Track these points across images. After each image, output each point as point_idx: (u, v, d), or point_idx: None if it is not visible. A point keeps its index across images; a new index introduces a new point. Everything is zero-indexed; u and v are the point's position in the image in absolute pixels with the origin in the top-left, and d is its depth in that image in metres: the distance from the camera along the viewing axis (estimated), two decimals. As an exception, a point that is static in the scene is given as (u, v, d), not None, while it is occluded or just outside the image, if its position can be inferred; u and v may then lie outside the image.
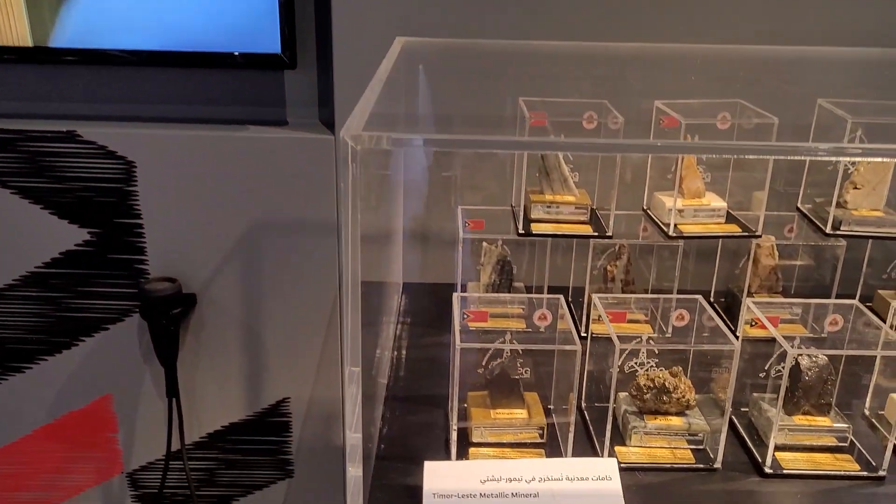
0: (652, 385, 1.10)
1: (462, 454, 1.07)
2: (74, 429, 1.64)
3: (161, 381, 1.59)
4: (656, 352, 1.12)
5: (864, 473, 1.07)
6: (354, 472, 0.91)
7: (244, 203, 1.52)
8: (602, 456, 1.07)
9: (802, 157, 0.82)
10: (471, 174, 1.57)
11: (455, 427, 1.04)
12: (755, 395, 1.17)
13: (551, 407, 1.16)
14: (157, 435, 1.65)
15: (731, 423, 1.15)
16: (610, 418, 1.06)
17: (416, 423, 1.14)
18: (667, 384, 1.09)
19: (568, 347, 1.03)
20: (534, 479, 0.99)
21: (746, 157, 0.94)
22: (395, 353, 1.30)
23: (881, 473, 1.07)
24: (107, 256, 1.54)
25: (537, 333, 1.20)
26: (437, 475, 0.99)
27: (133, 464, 1.69)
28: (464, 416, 1.11)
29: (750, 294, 1.41)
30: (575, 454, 1.06)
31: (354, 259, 0.84)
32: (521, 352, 1.12)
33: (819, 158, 0.80)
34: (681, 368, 1.11)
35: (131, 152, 1.48)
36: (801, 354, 1.09)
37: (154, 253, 1.55)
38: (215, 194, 1.51)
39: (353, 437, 0.91)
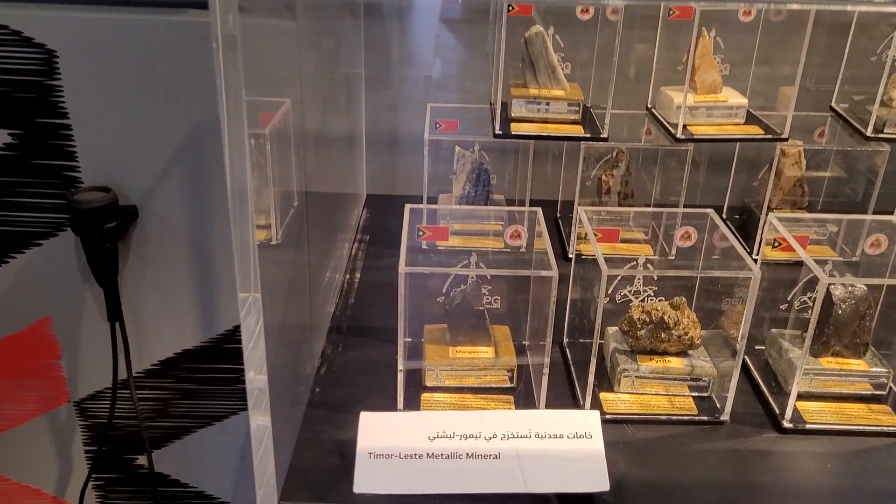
0: (648, 319, 0.86)
1: (412, 402, 0.85)
2: (12, 354, 1.44)
3: (103, 302, 1.37)
4: (654, 278, 0.88)
5: (906, 429, 0.84)
6: (259, 421, 0.69)
7: (190, 99, 1.26)
8: (584, 405, 0.85)
9: (853, 7, 0.59)
10: (447, 72, 1.31)
11: (402, 368, 0.81)
12: (774, 331, 0.94)
13: (526, 343, 0.93)
14: (102, 361, 1.44)
15: (743, 365, 0.92)
16: (594, 359, 0.82)
17: (362, 361, 0.92)
18: (666, 318, 0.85)
19: (544, 273, 0.79)
20: (495, 437, 0.76)
21: (786, 6, 0.69)
22: (348, 276, 1.07)
23: (928, 429, 0.84)
24: (31, 162, 1.30)
25: (511, 255, 0.97)
26: (375, 429, 0.76)
27: (80, 392, 1.49)
28: (418, 353, 0.88)
29: (770, 210, 1.16)
30: (551, 403, 0.84)
31: (237, 154, 0.60)
32: (488, 277, 0.89)
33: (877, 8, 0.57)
34: (684, 299, 0.87)
35: (51, 39, 1.22)
36: (834, 283, 0.85)
37: (86, 158, 1.30)
38: (155, 89, 1.25)
39: (256, 381, 0.68)
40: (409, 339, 0.92)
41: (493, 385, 0.87)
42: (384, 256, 1.14)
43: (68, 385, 1.49)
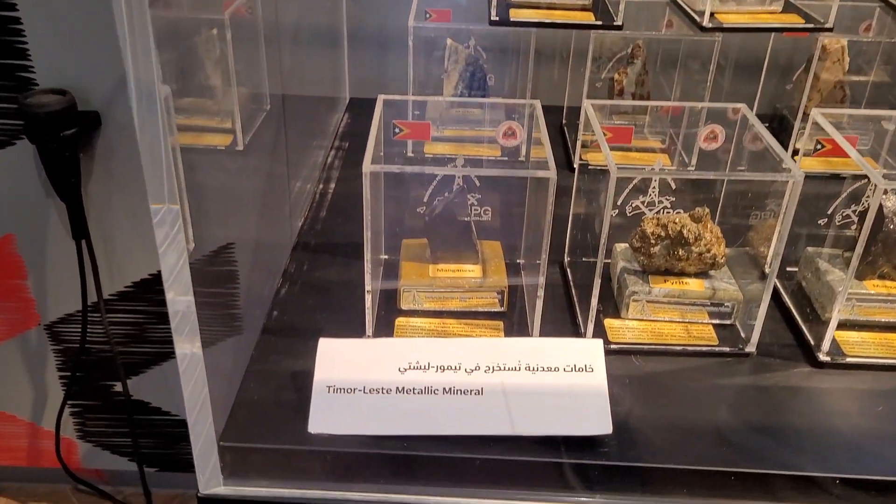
0: (664, 233, 0.72)
1: (384, 328, 0.71)
2: (-24, 274, 1.32)
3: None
4: (672, 185, 0.74)
5: (964, 364, 0.71)
6: (187, 349, 0.57)
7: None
8: (585, 333, 0.71)
9: None
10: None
11: (370, 289, 0.68)
12: (810, 249, 0.79)
13: (521, 262, 0.79)
14: (72, 283, 1.32)
15: (773, 290, 0.78)
16: (598, 279, 0.68)
17: (330, 281, 0.78)
18: (685, 232, 0.71)
19: (540, 173, 0.65)
20: (478, 369, 0.63)
21: None
22: (321, 186, 0.93)
23: None
24: (-20, 62, 1.15)
25: (508, 163, 0.82)
26: (336, 358, 0.63)
27: (50, 315, 1.38)
28: (394, 272, 0.75)
29: (805, 117, 1.00)
30: (547, 331, 0.70)
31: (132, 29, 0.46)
32: (476, 183, 0.74)
33: None
34: (708, 210, 0.72)
35: (-8, -82, 1.06)
36: (891, 189, 0.70)
37: (41, 57, 1.15)
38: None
39: (178, 303, 0.55)
40: (386, 257, 0.79)
41: (480, 309, 0.73)
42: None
43: (37, 307, 1.37)
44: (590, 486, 0.61)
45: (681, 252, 0.71)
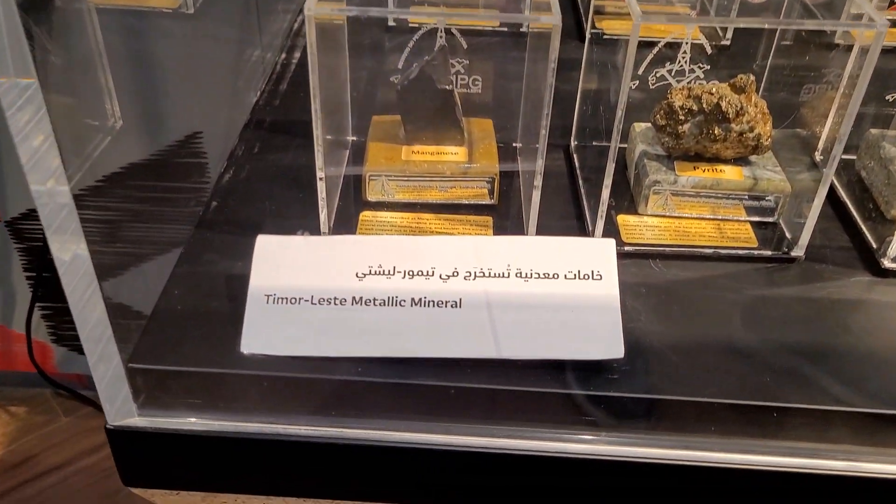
0: (696, 107, 0.56)
1: (346, 224, 0.57)
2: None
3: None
4: (707, 49, 0.57)
5: None
6: (64, 251, 0.43)
7: None
8: (593, 232, 0.56)
9: None
10: None
11: (322, 175, 0.53)
12: (874, 131, 0.63)
13: (517, 146, 0.63)
14: (32, 176, 1.17)
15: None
16: (611, 164, 0.53)
17: (283, 167, 0.63)
18: (724, 105, 0.55)
19: (544, 20, 0.48)
20: (456, 274, 0.49)
21: None
22: (283, 55, 0.76)
23: None
24: None
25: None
26: (278, 260, 0.49)
27: (11, 210, 1.25)
28: (358, 155, 0.60)
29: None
30: (546, 228, 0.56)
31: None
32: (463, 45, 0.58)
33: None
34: (753, 78, 0.56)
35: None
36: None
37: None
38: None
39: (46, 192, 0.41)
40: (354, 138, 0.64)
41: (465, 201, 0.58)
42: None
43: (-4, 202, 1.24)
44: (595, 422, 0.47)
45: (717, 131, 0.55)
